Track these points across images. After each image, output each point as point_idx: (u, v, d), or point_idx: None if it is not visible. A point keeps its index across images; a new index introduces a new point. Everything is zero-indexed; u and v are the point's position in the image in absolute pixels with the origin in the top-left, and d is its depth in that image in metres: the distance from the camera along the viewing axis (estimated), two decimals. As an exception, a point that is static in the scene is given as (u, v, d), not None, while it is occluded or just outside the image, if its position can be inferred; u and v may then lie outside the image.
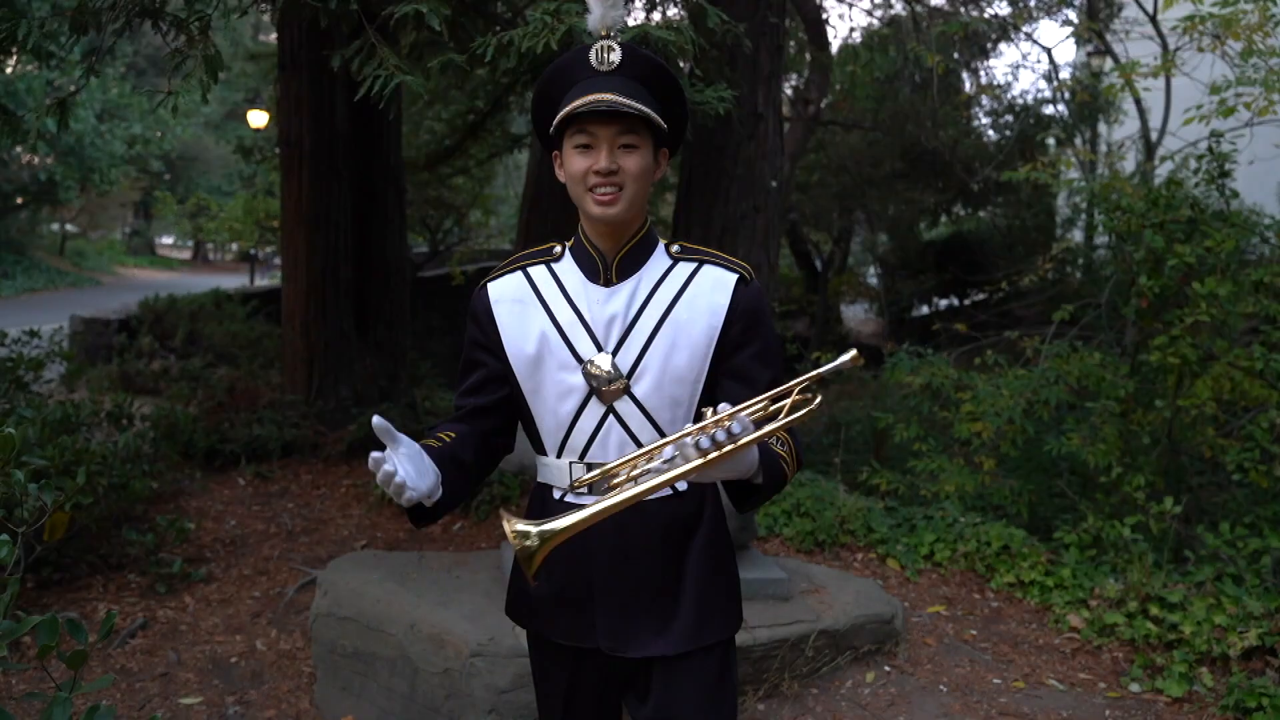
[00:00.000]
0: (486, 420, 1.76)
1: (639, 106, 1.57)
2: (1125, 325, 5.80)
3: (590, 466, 1.67)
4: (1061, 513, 5.34)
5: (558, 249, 1.75)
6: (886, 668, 3.69)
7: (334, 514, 5.25)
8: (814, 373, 1.51)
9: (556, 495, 1.73)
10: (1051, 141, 12.06)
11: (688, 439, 1.42)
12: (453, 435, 1.70)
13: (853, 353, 1.48)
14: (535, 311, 1.69)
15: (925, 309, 14.99)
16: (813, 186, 12.80)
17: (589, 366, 1.64)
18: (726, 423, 1.42)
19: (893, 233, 14.17)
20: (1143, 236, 4.89)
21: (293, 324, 6.62)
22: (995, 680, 3.65)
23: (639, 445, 1.66)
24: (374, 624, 3.26)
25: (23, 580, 3.72)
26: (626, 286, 1.67)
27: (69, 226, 28.53)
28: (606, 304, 1.66)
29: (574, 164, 1.62)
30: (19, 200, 23.28)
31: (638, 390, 1.64)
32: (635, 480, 1.50)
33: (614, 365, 1.64)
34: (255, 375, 7.55)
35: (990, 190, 11.76)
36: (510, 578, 1.86)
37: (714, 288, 1.68)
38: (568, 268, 1.71)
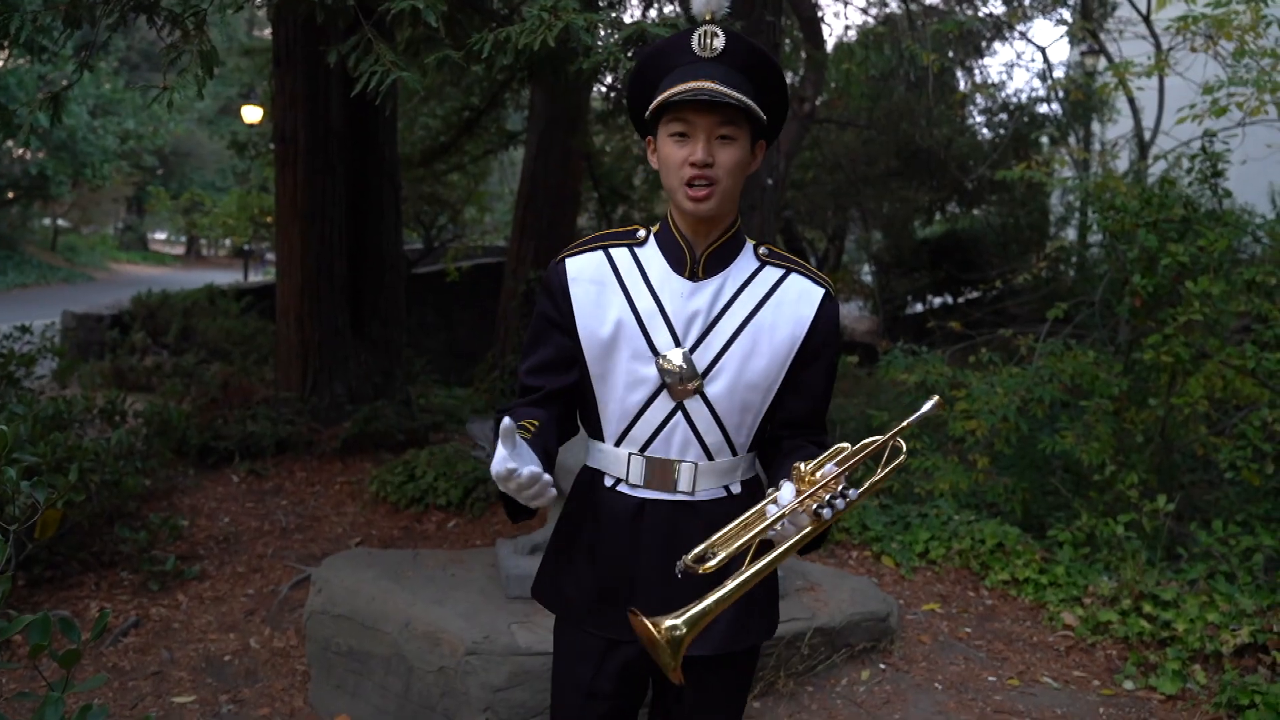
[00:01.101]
0: (559, 405, 1.71)
1: (740, 97, 1.52)
2: (1119, 324, 5.81)
3: (648, 461, 1.64)
4: (1055, 510, 5.35)
5: (641, 233, 1.69)
6: (882, 665, 3.70)
7: (328, 511, 5.24)
8: (905, 422, 1.50)
9: (608, 483, 1.69)
10: (1045, 140, 12.08)
11: (800, 511, 1.40)
12: (537, 424, 1.63)
13: (935, 399, 1.48)
14: (614, 295, 1.64)
15: (920, 307, 15.00)
16: (808, 184, 12.81)
17: (664, 361, 1.60)
18: (835, 489, 1.40)
19: (887, 231, 14.18)
20: (1136, 235, 4.91)
21: (287, 320, 6.60)
22: (990, 678, 3.66)
23: (702, 445, 1.63)
24: (369, 622, 3.26)
25: (14, 578, 3.71)
26: (713, 283, 1.63)
27: (61, 222, 28.41)
28: (691, 299, 1.62)
29: (669, 153, 1.57)
30: (10, 195, 23.19)
31: (710, 391, 1.61)
32: (740, 548, 1.42)
33: (690, 362, 1.60)
34: (249, 372, 7.53)
35: (984, 189, 11.79)
36: (543, 560, 1.81)
37: (800, 298, 1.65)
38: (652, 254, 1.66)
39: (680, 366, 1.59)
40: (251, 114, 17.15)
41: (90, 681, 1.72)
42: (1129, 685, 3.62)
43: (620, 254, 1.67)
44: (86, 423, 4.90)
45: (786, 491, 1.43)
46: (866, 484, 1.48)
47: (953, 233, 14.12)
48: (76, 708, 1.61)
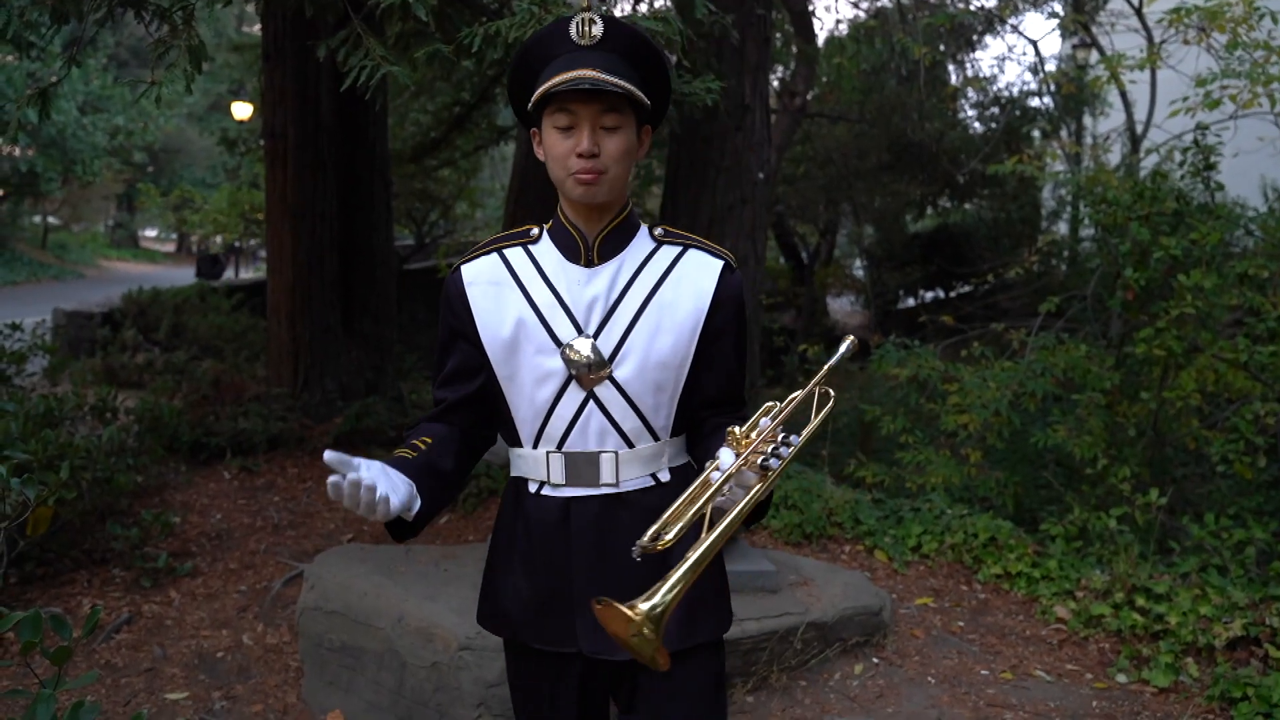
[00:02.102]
0: (466, 414, 1.69)
1: (622, 84, 1.50)
2: (1111, 317, 5.83)
3: (567, 457, 1.61)
4: (1048, 504, 5.37)
5: (534, 231, 1.68)
6: (875, 659, 3.70)
7: (320, 507, 5.22)
8: (827, 366, 1.51)
9: (532, 488, 1.66)
10: (1037, 134, 12.09)
11: (744, 469, 1.39)
12: (429, 441, 1.63)
13: (850, 339, 1.49)
14: (511, 294, 1.62)
15: (911, 301, 15.02)
16: (799, 179, 12.80)
17: (568, 350, 1.57)
18: (775, 440, 1.40)
19: (879, 225, 14.18)
20: (1128, 229, 4.92)
21: (278, 317, 6.58)
22: (983, 671, 3.67)
23: (620, 433, 1.60)
24: (361, 618, 3.25)
25: (5, 576, 3.69)
26: (609, 268, 1.61)
27: (51, 219, 28.27)
28: (587, 285, 1.60)
29: (554, 145, 1.55)
30: (0, 192, 23.06)
31: (620, 375, 1.58)
32: (693, 518, 1.38)
33: (595, 349, 1.57)
34: (240, 368, 7.51)
35: (976, 182, 11.79)
36: (483, 584, 1.78)
37: (699, 271, 1.63)
38: (545, 249, 1.65)
39: (586, 355, 1.57)
40: (241, 110, 17.08)
41: (82, 678, 1.72)
42: (1122, 678, 3.64)
43: (514, 253, 1.66)
44: (78, 420, 4.88)
45: (726, 456, 1.41)
46: (805, 430, 1.45)
47: (944, 227, 14.13)
48: (69, 705, 1.60)
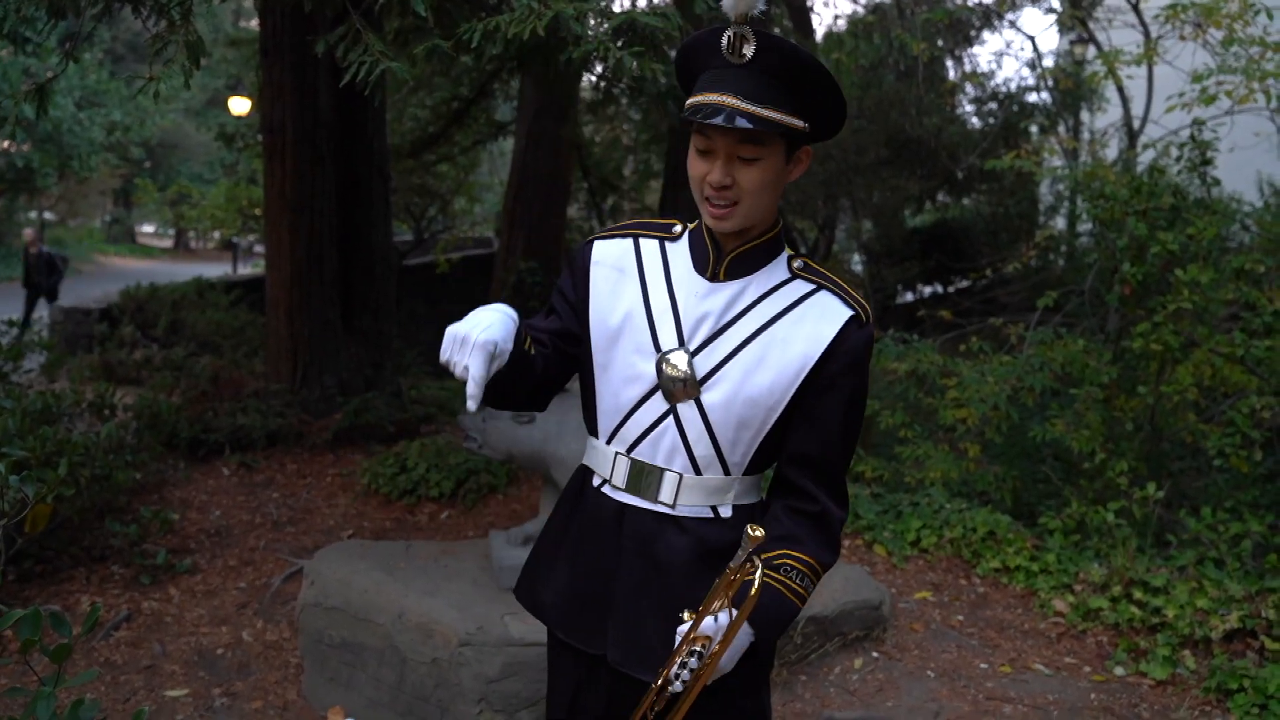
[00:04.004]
0: (542, 366, 1.60)
1: (765, 115, 1.38)
2: (1108, 312, 5.83)
3: (633, 463, 1.55)
4: (1046, 498, 5.37)
5: (677, 228, 1.60)
6: (874, 654, 3.71)
7: (320, 503, 5.22)
8: (742, 560, 1.37)
9: (596, 482, 1.62)
10: (1035, 129, 12.08)
11: (674, 669, 1.41)
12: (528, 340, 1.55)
13: (754, 531, 1.33)
14: (631, 285, 1.57)
15: (910, 296, 15.03)
16: (797, 174, 12.80)
17: (664, 360, 1.51)
18: (682, 659, 1.40)
19: (877, 220, 14.17)
20: (1125, 224, 4.92)
21: (277, 312, 6.58)
22: (982, 665, 3.68)
23: (690, 456, 1.52)
24: (361, 614, 3.25)
25: (4, 573, 3.69)
26: (731, 287, 1.52)
27: (48, 214, 28.22)
28: (705, 300, 1.52)
29: (693, 164, 1.47)
30: (-4, 188, 23.03)
31: (707, 399, 1.50)
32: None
33: (690, 365, 1.50)
34: (239, 364, 7.50)
35: (974, 178, 11.79)
36: (529, 559, 1.75)
37: (823, 316, 1.51)
38: (680, 251, 1.58)
39: (680, 370, 1.50)
40: (239, 105, 17.07)
41: (82, 676, 1.72)
42: (1120, 671, 3.65)
43: (649, 245, 1.60)
44: (76, 416, 4.88)
45: (715, 621, 1.42)
46: (714, 650, 1.40)
47: (943, 222, 14.13)
48: (68, 703, 1.60)
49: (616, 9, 3.83)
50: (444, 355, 1.40)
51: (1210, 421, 4.97)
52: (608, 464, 1.59)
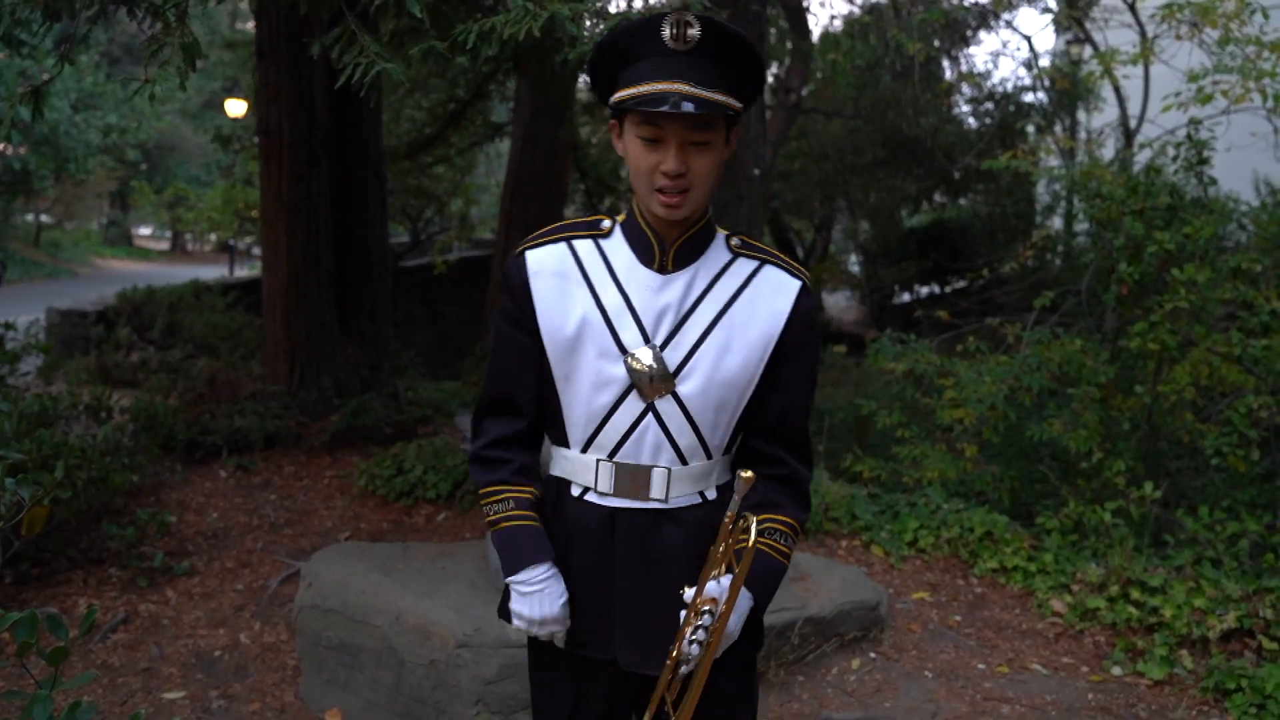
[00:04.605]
0: (533, 411, 1.62)
1: (717, 99, 1.40)
2: (1105, 312, 5.84)
3: (618, 467, 1.55)
4: (1043, 498, 5.38)
5: (606, 223, 1.58)
6: (872, 654, 3.71)
7: (317, 505, 5.22)
8: (735, 507, 1.45)
9: (576, 492, 1.60)
10: (1031, 129, 12.11)
11: (685, 643, 1.45)
12: (534, 492, 1.64)
13: (747, 475, 1.41)
14: (578, 290, 1.53)
15: (907, 296, 15.06)
16: (794, 174, 12.82)
17: (632, 359, 1.50)
18: (699, 619, 1.44)
19: (874, 220, 14.21)
20: (1122, 223, 4.93)
21: (273, 314, 6.57)
22: (979, 665, 3.68)
23: (675, 449, 1.54)
24: (359, 616, 3.25)
25: (1, 576, 3.68)
26: (683, 276, 1.53)
27: (44, 217, 28.19)
28: (660, 293, 1.52)
29: (639, 156, 1.45)
30: (-8, 191, 23.00)
31: (683, 390, 1.51)
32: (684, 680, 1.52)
33: (661, 360, 1.50)
34: (236, 366, 7.49)
35: (971, 178, 11.83)
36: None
37: (776, 291, 1.55)
38: (617, 246, 1.55)
39: (650, 365, 1.49)
40: (235, 107, 17.04)
41: (79, 679, 1.71)
42: (1117, 671, 3.65)
43: (584, 246, 1.56)
44: (72, 419, 4.87)
45: (713, 588, 1.47)
46: (721, 610, 1.46)
47: (939, 222, 14.16)
48: (65, 705, 1.60)
49: (612, 9, 3.83)
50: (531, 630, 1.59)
51: (1207, 421, 4.98)
52: (589, 472, 1.57)
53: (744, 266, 1.57)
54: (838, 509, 4.97)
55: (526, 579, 1.56)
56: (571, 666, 1.63)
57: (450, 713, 2.99)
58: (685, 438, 1.54)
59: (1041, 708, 3.37)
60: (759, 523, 1.51)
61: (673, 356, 1.51)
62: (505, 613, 1.64)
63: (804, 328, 1.57)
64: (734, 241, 1.59)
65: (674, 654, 1.47)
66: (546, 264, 1.56)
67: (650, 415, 1.52)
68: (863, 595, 3.82)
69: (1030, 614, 4.14)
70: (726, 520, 1.44)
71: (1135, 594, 3.94)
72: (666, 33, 1.40)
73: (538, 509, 1.62)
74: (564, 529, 1.61)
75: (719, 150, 1.47)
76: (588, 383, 1.53)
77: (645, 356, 1.50)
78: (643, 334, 1.51)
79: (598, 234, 1.57)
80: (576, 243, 1.57)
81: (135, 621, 3.83)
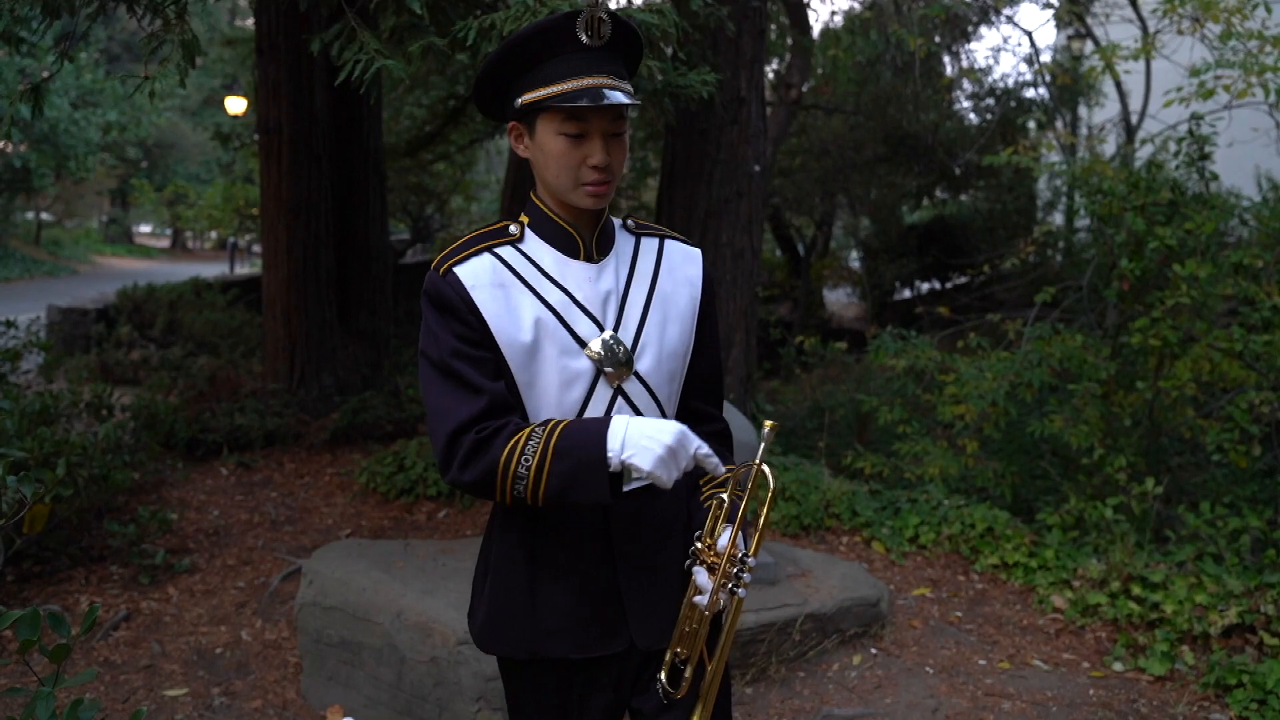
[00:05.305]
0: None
1: (631, 92, 1.49)
2: (1106, 307, 5.84)
3: None
4: (1044, 494, 5.38)
5: (514, 228, 1.58)
6: (873, 650, 3.72)
7: (318, 503, 5.22)
8: (760, 454, 1.49)
9: None
10: (1032, 125, 12.09)
11: (716, 593, 1.48)
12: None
13: (769, 425, 1.50)
14: (522, 295, 1.52)
15: (908, 292, 15.03)
16: (795, 171, 12.79)
17: (590, 351, 1.53)
18: (736, 561, 1.48)
19: (875, 216, 14.18)
20: (1124, 219, 4.92)
21: (274, 312, 6.57)
22: (981, 661, 3.68)
23: None
24: (360, 613, 3.25)
25: (2, 574, 3.69)
26: (610, 261, 1.59)
27: (44, 215, 28.19)
28: (598, 281, 1.56)
29: (562, 153, 1.48)
30: (-7, 188, 22.99)
31: (641, 368, 1.57)
32: (701, 647, 1.55)
33: (621, 344, 1.54)
34: (236, 364, 7.50)
35: (972, 174, 11.79)
36: (485, 607, 1.64)
37: (686, 262, 1.68)
38: (536, 246, 1.57)
39: (612, 351, 1.54)
40: (235, 105, 17.04)
41: (81, 676, 1.71)
42: (1118, 667, 3.65)
43: (507, 252, 1.55)
44: (73, 417, 4.87)
45: (702, 578, 1.49)
46: (754, 542, 1.51)
47: (940, 218, 14.13)
48: (68, 702, 1.60)
49: (613, 5, 3.83)
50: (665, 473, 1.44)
51: (1209, 417, 4.97)
52: None
53: (649, 244, 1.67)
54: (839, 505, 4.97)
55: (629, 436, 1.43)
56: (572, 676, 1.62)
57: (451, 710, 3.00)
58: (652, 412, 1.60)
59: (1042, 703, 3.37)
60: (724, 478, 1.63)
61: (626, 338, 1.57)
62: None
63: (711, 289, 1.70)
64: (629, 223, 1.68)
65: (712, 603, 1.49)
66: (481, 277, 1.52)
67: (621, 399, 1.57)
68: (864, 591, 3.82)
69: (1031, 610, 4.15)
70: (738, 467, 1.55)
71: (1136, 590, 3.94)
72: (582, 30, 1.45)
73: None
74: (554, 534, 1.58)
75: (627, 140, 1.56)
76: (555, 383, 1.53)
77: (603, 344, 1.55)
78: (595, 323, 1.55)
79: (512, 239, 1.58)
80: (498, 250, 1.56)
81: (137, 619, 3.83)
